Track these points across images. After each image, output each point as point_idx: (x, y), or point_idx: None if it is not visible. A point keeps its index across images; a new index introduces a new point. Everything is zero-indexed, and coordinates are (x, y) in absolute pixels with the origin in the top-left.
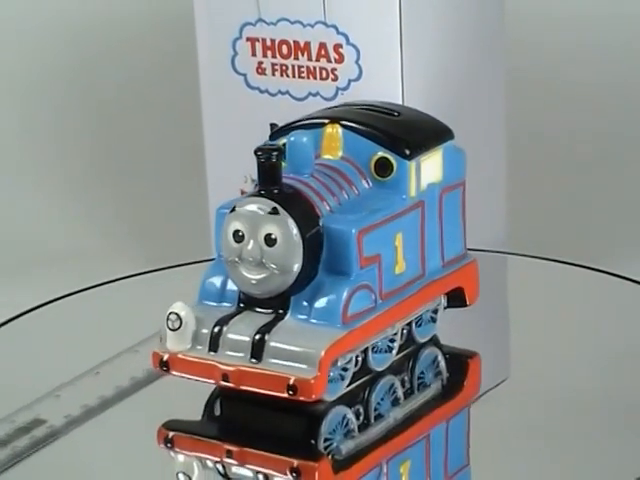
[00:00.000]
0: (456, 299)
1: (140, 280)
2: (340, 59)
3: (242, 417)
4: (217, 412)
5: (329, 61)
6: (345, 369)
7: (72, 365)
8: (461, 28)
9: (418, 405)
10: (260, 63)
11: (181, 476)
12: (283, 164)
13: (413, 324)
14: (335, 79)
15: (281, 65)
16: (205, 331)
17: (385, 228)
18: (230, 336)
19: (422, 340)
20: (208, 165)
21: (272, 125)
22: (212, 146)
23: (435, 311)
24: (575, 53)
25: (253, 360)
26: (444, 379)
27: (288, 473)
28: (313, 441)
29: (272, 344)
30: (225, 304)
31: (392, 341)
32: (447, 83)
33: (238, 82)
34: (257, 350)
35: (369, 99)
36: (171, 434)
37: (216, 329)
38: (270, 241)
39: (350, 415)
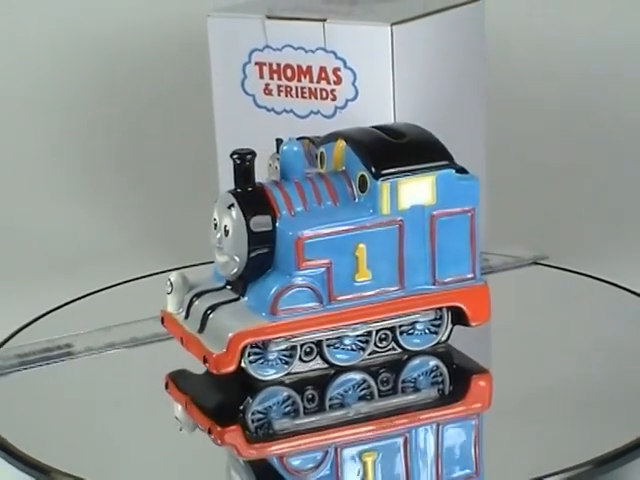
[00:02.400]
0: (462, 318)
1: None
2: (338, 81)
3: (218, 381)
4: (209, 373)
5: (328, 83)
6: (290, 355)
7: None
8: (447, 54)
9: (393, 405)
10: (267, 85)
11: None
12: (277, 169)
13: (397, 331)
14: (334, 99)
15: (286, 86)
16: (187, 299)
17: (340, 238)
18: (196, 307)
19: (412, 348)
20: (220, 175)
21: (278, 140)
22: (224, 159)
23: (437, 325)
24: (548, 74)
25: (199, 331)
26: (444, 389)
27: (208, 432)
28: (242, 413)
29: (210, 319)
30: (220, 282)
31: (364, 342)
32: (434, 103)
33: (247, 102)
34: (203, 323)
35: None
36: (167, 380)
37: (194, 299)
38: (225, 231)
39: (295, 397)
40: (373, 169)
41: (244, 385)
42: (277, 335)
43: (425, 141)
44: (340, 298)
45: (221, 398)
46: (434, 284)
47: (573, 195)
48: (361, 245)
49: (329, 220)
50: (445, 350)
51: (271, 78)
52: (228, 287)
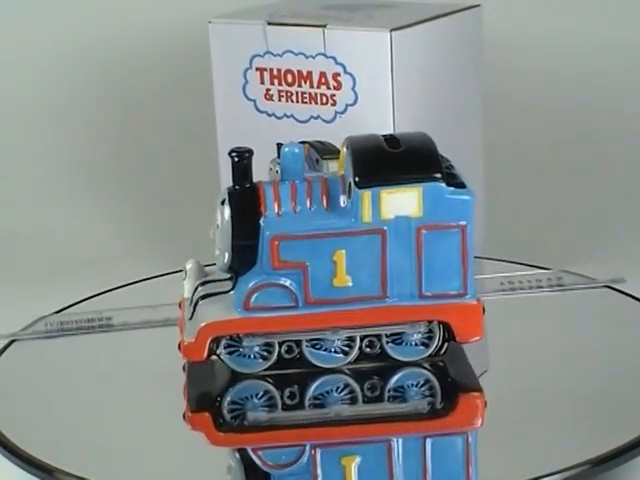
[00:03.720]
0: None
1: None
2: (338, 86)
3: (217, 366)
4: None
5: (328, 88)
6: (268, 351)
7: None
8: (445, 59)
9: (374, 412)
10: (268, 90)
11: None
12: (278, 171)
13: (384, 340)
14: (334, 104)
15: (286, 92)
16: (194, 287)
17: (317, 242)
18: (195, 295)
19: (401, 358)
20: (222, 180)
21: (278, 145)
22: (226, 163)
23: (429, 337)
24: (546, 79)
25: (190, 318)
26: (431, 403)
27: (183, 416)
28: (218, 402)
29: (198, 308)
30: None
31: (348, 346)
32: (433, 107)
33: (249, 107)
34: (194, 311)
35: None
36: (185, 363)
37: (198, 287)
38: (217, 226)
39: (274, 392)
40: (356, 177)
41: (236, 376)
42: (247, 330)
43: (420, 152)
44: (317, 301)
45: (212, 386)
46: (420, 297)
47: (573, 197)
48: (340, 251)
49: (308, 223)
50: (441, 364)
51: (272, 83)
52: (230, 281)
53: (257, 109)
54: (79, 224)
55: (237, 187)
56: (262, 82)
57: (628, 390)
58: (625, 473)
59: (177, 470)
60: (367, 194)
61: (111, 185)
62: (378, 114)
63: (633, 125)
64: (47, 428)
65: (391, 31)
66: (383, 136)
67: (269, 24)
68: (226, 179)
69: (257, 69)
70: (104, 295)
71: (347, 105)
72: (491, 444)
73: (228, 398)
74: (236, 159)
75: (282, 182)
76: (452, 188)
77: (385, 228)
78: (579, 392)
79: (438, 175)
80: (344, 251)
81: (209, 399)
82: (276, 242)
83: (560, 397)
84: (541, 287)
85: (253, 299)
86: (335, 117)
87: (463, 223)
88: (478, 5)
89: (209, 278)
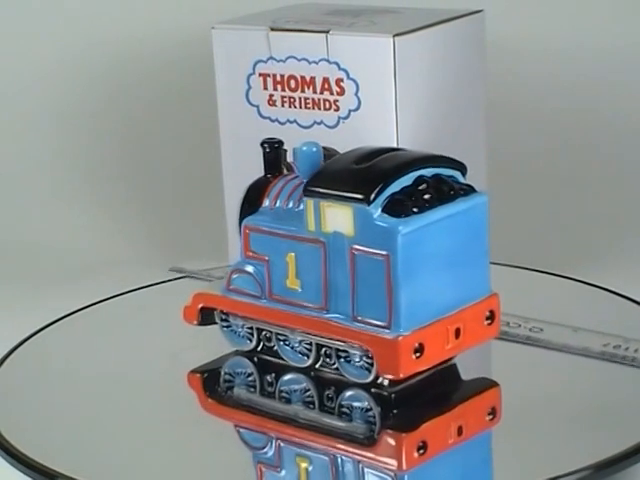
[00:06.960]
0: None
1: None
2: (341, 92)
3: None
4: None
5: (331, 93)
6: (251, 333)
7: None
8: (448, 64)
9: (320, 422)
10: (271, 96)
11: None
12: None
13: (334, 353)
14: (337, 109)
15: (289, 97)
16: None
17: (276, 239)
18: None
19: (350, 378)
20: (225, 185)
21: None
22: (229, 169)
23: (370, 363)
24: (547, 83)
25: None
26: (374, 430)
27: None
28: (217, 370)
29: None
30: None
31: (308, 350)
32: (436, 113)
33: (252, 112)
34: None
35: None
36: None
37: None
38: None
39: (254, 373)
40: (307, 185)
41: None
42: (221, 307)
43: (373, 172)
44: (275, 297)
45: (225, 356)
46: (353, 319)
47: (576, 201)
48: (291, 253)
49: (275, 221)
50: (386, 393)
51: (275, 89)
52: None
53: (260, 115)
54: (81, 227)
55: (268, 176)
56: (265, 88)
57: (631, 395)
58: (627, 479)
59: (178, 473)
60: (310, 203)
61: (113, 189)
62: (381, 120)
63: (636, 129)
64: (49, 430)
65: (394, 36)
66: (378, 150)
67: (272, 30)
68: (229, 184)
69: (260, 75)
70: None
71: (350, 111)
72: (493, 449)
73: (223, 369)
74: (267, 149)
75: (294, 178)
76: (385, 215)
77: (324, 240)
78: (582, 397)
79: (370, 198)
80: (294, 254)
81: (212, 365)
82: (247, 232)
83: (562, 402)
84: None
85: (231, 281)
86: (338, 123)
87: (388, 254)
88: (481, 10)
89: None
